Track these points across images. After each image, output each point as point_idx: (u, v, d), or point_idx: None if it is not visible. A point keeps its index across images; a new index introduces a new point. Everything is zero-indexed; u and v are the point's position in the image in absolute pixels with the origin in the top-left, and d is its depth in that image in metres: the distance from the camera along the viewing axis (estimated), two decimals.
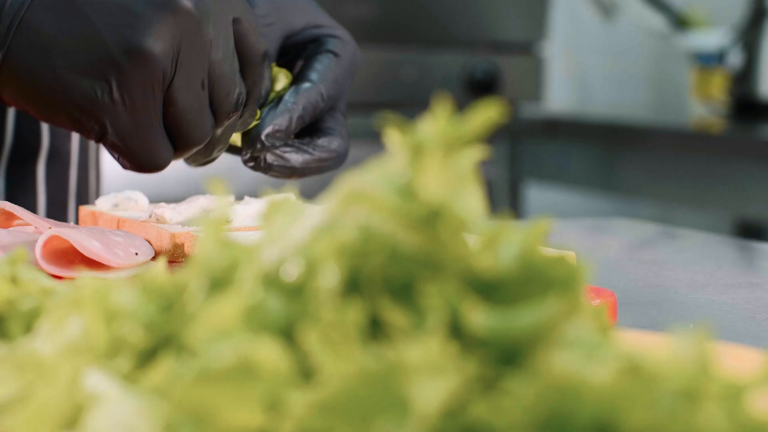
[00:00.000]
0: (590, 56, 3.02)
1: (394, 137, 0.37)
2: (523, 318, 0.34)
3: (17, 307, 0.44)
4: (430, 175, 0.36)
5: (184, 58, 0.68)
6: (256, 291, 0.37)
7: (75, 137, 1.02)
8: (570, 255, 0.38)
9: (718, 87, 2.70)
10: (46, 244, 0.64)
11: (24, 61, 0.67)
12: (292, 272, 0.37)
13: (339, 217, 0.37)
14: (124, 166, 0.71)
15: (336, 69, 0.80)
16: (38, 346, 0.40)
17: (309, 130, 0.80)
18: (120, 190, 0.79)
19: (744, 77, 2.62)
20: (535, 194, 2.86)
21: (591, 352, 0.35)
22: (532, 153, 2.71)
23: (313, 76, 0.79)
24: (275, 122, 0.76)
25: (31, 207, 0.98)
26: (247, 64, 0.73)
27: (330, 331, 0.34)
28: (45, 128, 0.98)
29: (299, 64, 0.80)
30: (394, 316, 0.35)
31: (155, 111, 0.69)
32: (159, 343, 0.38)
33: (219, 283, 0.38)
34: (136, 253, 0.66)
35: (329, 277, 0.36)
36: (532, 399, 0.31)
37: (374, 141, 2.68)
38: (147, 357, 0.38)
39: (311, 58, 0.80)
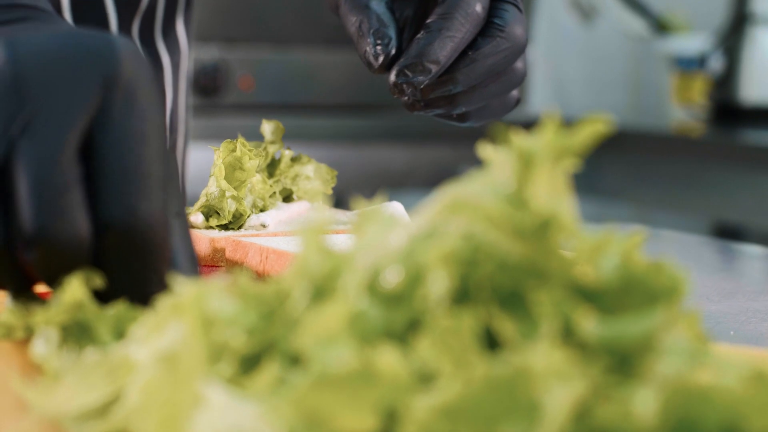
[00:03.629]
0: (570, 60, 3.04)
1: (494, 148, 0.38)
2: (634, 326, 0.35)
3: (93, 314, 0.44)
4: (540, 186, 0.36)
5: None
6: (360, 298, 0.37)
7: None
8: (667, 264, 0.38)
9: (699, 91, 2.72)
10: None
11: None
12: (391, 280, 0.38)
13: (440, 226, 0.38)
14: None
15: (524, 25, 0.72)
16: (132, 352, 0.41)
17: None
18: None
19: (724, 82, 2.64)
20: None
21: (695, 359, 0.35)
22: None
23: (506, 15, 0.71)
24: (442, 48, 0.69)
25: None
26: None
27: (446, 338, 0.35)
28: None
29: None
30: (504, 323, 0.36)
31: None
32: (262, 349, 0.38)
33: (321, 290, 0.39)
34: None
35: (438, 285, 0.36)
36: (660, 404, 0.32)
37: (355, 143, 2.69)
38: (250, 363, 0.39)
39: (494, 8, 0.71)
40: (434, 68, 0.68)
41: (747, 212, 2.43)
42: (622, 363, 0.35)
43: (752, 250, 1.20)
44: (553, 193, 0.37)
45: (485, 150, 0.39)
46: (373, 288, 0.38)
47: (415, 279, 0.37)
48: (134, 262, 0.47)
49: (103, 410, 0.40)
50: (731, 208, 2.44)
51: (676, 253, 1.11)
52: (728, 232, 2.76)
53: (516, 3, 0.72)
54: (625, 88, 3.05)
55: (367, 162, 2.63)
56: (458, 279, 0.36)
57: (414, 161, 2.71)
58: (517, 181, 0.37)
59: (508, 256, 0.36)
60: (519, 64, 0.73)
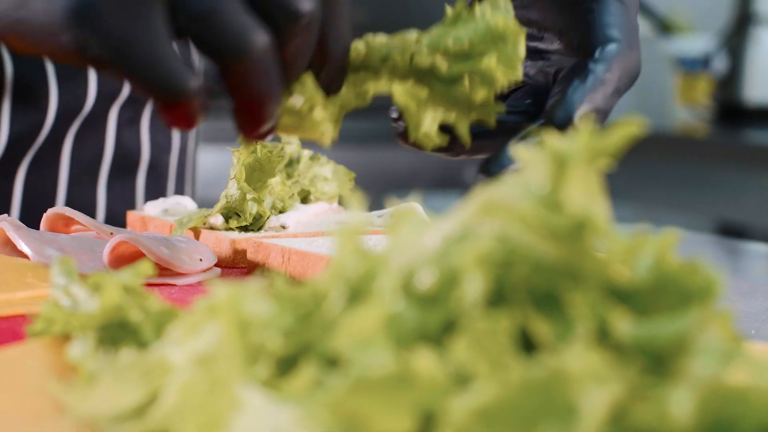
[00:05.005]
0: None
1: (529, 150, 0.38)
2: (669, 327, 0.35)
3: (137, 315, 0.45)
4: (575, 188, 0.37)
5: None
6: (395, 300, 0.38)
7: (174, 151, 1.02)
8: (701, 264, 0.39)
9: (703, 92, 2.72)
10: (113, 250, 0.64)
11: None
12: (425, 281, 0.38)
13: (473, 228, 0.38)
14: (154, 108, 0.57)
15: (624, 14, 0.63)
16: (169, 354, 0.41)
17: None
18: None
19: (728, 82, 2.64)
20: None
21: (729, 359, 0.36)
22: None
23: (613, 32, 0.62)
24: (590, 97, 0.58)
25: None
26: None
27: (483, 340, 0.35)
28: (146, 141, 0.99)
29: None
30: (540, 325, 0.36)
31: (155, 11, 0.52)
32: (298, 351, 0.39)
33: (357, 292, 0.39)
34: (201, 259, 0.66)
35: (474, 287, 0.36)
36: (696, 405, 0.32)
37: (359, 144, 2.68)
38: (286, 365, 0.39)
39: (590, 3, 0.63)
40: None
41: (751, 212, 2.44)
42: (657, 364, 0.35)
43: (758, 249, 1.20)
44: (587, 195, 0.37)
45: (519, 151, 0.39)
46: (408, 290, 0.38)
47: (450, 281, 0.37)
48: None
49: (139, 412, 0.41)
50: (735, 207, 2.44)
51: (682, 252, 1.11)
52: (732, 232, 2.76)
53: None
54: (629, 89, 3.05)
55: (372, 164, 2.64)
56: (493, 281, 0.37)
57: (418, 163, 2.71)
58: (552, 182, 0.37)
59: (543, 258, 0.37)
60: None
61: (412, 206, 0.46)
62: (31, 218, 0.91)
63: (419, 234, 0.40)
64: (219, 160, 2.39)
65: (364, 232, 0.40)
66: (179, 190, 1.02)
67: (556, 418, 0.33)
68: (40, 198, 0.95)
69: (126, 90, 0.96)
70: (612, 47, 0.62)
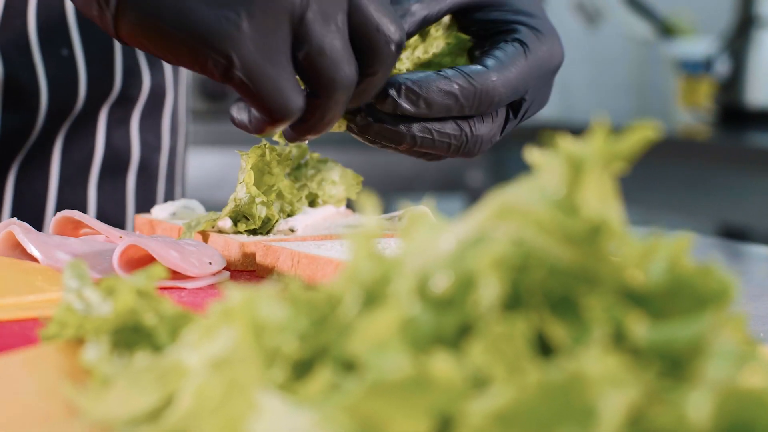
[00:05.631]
0: (575, 64, 3.04)
1: (543, 154, 0.38)
2: (684, 330, 0.36)
3: (152, 319, 0.45)
4: (590, 192, 0.37)
5: None
6: (411, 304, 0.38)
7: (164, 151, 1.02)
8: (715, 267, 0.39)
9: (705, 94, 2.73)
10: (122, 253, 0.65)
11: None
12: (441, 285, 0.38)
13: (488, 232, 0.38)
14: (253, 119, 0.66)
15: (520, 63, 0.71)
16: (184, 357, 0.41)
17: None
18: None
19: (730, 85, 2.65)
20: None
21: (744, 362, 0.36)
22: (518, 159, 2.72)
23: (489, 61, 0.71)
24: (419, 82, 0.69)
25: (121, 218, 0.99)
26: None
27: (499, 344, 0.35)
28: (135, 141, 0.99)
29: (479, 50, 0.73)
30: (556, 329, 0.36)
31: (284, 45, 0.63)
32: (314, 355, 0.39)
33: (372, 296, 0.39)
34: (210, 263, 0.66)
35: (490, 291, 0.37)
36: (714, 408, 0.32)
37: (362, 146, 2.69)
38: (302, 368, 0.39)
39: (495, 44, 0.72)
40: (424, 111, 0.69)
41: (753, 214, 2.44)
42: (673, 367, 0.36)
43: (760, 251, 1.20)
44: (602, 199, 0.37)
45: (532, 155, 0.39)
46: (423, 293, 0.38)
47: (465, 284, 0.37)
48: None
49: (153, 415, 0.41)
50: (737, 210, 2.44)
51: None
52: (735, 234, 2.76)
53: (519, 39, 0.72)
54: (630, 92, 3.06)
55: (374, 166, 2.64)
56: (509, 284, 0.37)
57: (420, 166, 2.71)
58: (567, 186, 0.37)
59: (558, 262, 0.37)
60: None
61: (424, 209, 0.46)
62: (22, 220, 0.91)
63: (434, 237, 0.40)
64: (223, 162, 2.39)
65: (379, 236, 0.40)
66: (169, 191, 1.03)
67: (574, 421, 0.33)
68: (31, 199, 0.95)
69: (116, 90, 0.97)
70: (476, 67, 0.71)
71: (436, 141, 0.70)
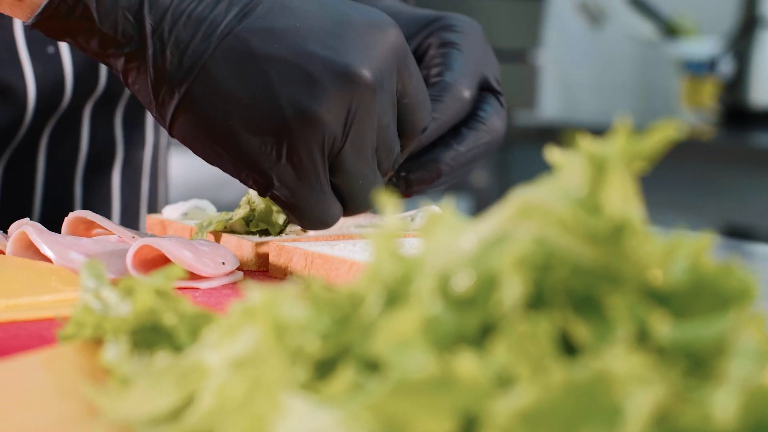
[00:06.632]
0: (579, 65, 3.04)
1: (563, 154, 0.38)
2: (707, 329, 0.36)
3: (171, 318, 0.45)
4: (612, 191, 0.37)
5: (356, 127, 0.68)
6: (433, 303, 0.38)
7: (148, 147, 1.03)
8: (737, 267, 0.39)
9: (709, 95, 2.73)
10: (136, 253, 0.65)
11: (199, 107, 0.67)
12: (463, 284, 0.38)
13: (510, 231, 0.38)
14: (291, 220, 0.71)
15: (465, 60, 0.78)
16: (205, 357, 0.41)
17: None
18: (186, 199, 0.80)
19: (734, 85, 2.65)
20: None
21: (766, 360, 0.36)
22: (523, 160, 2.72)
23: (448, 76, 0.77)
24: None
25: (107, 214, 0.99)
26: (407, 135, 0.73)
27: (523, 343, 0.35)
28: (119, 137, 1.00)
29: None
30: (579, 328, 0.36)
31: (322, 172, 0.69)
32: (336, 354, 0.39)
33: (394, 295, 0.39)
34: (223, 263, 0.67)
35: (513, 290, 0.37)
36: (740, 407, 0.32)
37: None
38: (324, 368, 0.39)
39: (434, 58, 0.78)
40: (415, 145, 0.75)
41: (757, 214, 2.44)
42: (696, 366, 0.36)
43: (764, 250, 1.20)
44: (625, 198, 0.37)
45: (553, 155, 0.39)
46: (445, 293, 0.38)
47: (488, 284, 0.37)
48: None
49: (174, 415, 0.41)
50: (741, 210, 2.44)
51: None
52: (739, 234, 2.76)
53: (497, 95, 0.79)
54: (634, 92, 3.06)
55: None
56: (532, 284, 0.37)
57: None
58: (589, 185, 0.37)
59: (581, 261, 0.37)
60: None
61: (445, 208, 0.46)
62: (9, 215, 0.91)
63: (455, 236, 0.40)
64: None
65: (400, 236, 0.40)
66: (153, 186, 1.04)
67: (600, 420, 0.33)
68: (18, 196, 0.96)
69: (100, 88, 0.97)
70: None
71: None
